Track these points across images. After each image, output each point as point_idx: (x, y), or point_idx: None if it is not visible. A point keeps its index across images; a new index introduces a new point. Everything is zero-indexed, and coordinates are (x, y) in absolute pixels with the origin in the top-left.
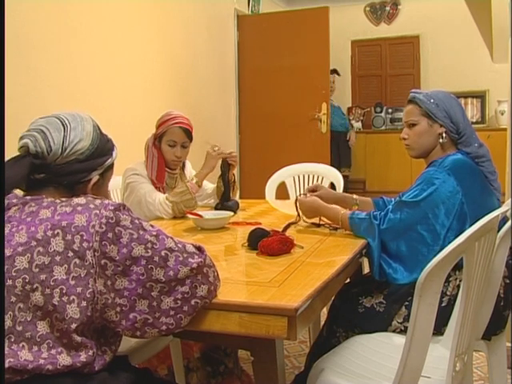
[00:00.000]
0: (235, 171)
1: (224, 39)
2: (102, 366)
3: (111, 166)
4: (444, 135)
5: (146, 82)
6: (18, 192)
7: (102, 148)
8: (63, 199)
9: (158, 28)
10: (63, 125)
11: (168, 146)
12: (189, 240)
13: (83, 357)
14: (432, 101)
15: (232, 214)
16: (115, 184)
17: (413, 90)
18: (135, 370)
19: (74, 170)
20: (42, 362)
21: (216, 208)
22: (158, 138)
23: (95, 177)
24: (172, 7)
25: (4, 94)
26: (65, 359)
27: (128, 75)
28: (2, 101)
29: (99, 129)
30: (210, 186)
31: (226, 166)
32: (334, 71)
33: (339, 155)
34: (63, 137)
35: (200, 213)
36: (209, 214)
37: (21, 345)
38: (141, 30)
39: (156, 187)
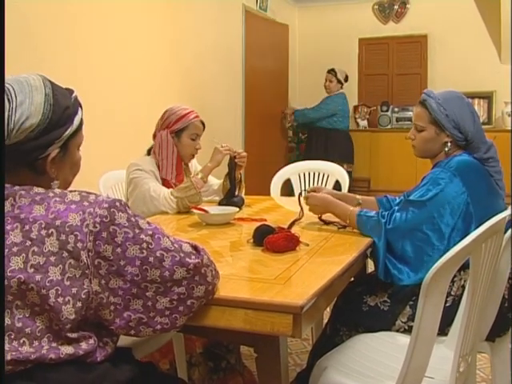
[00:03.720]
0: (242, 170)
1: (231, 35)
2: (104, 356)
3: (75, 134)
4: (449, 144)
5: (152, 77)
6: None
7: (58, 119)
8: (57, 192)
9: (165, 24)
10: (8, 99)
11: (190, 139)
12: (193, 235)
13: (85, 345)
14: (443, 110)
15: (237, 209)
16: (119, 178)
17: (426, 91)
18: (138, 363)
19: (27, 149)
20: (44, 352)
21: (221, 203)
22: (175, 134)
23: (54, 151)
24: (179, 2)
25: (4, 91)
26: (67, 349)
27: (134, 70)
28: (1, 98)
29: (54, 95)
30: (216, 181)
31: (233, 165)
32: (332, 70)
33: (337, 152)
34: (8, 117)
35: (205, 208)
36: (214, 210)
37: (21, 341)
38: (148, 25)
39: (168, 184)
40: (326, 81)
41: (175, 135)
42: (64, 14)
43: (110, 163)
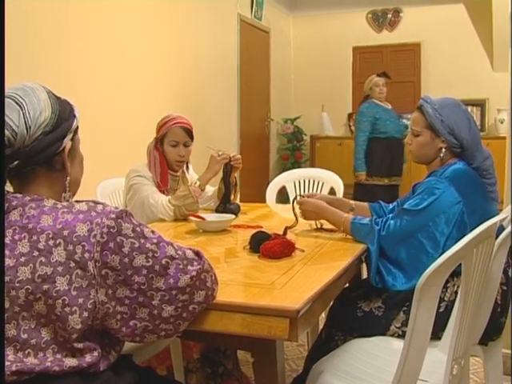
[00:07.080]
0: (237, 174)
1: (227, 43)
2: (106, 365)
3: (78, 128)
4: (444, 150)
5: (149, 84)
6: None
7: (64, 112)
8: (64, 204)
9: (162, 31)
10: (17, 103)
11: (171, 146)
12: (191, 242)
13: (89, 358)
14: (438, 115)
15: (234, 216)
16: (118, 185)
17: (424, 97)
18: (139, 369)
19: (46, 144)
20: (48, 364)
21: (217, 210)
22: (159, 141)
23: (68, 143)
24: (176, 10)
25: (4, 92)
26: (71, 361)
27: (131, 77)
28: (1, 99)
29: (53, 93)
30: (210, 188)
31: (228, 169)
32: (383, 74)
33: (390, 163)
34: (23, 115)
35: (202, 215)
36: (211, 217)
37: (26, 352)
38: (144, 31)
39: (160, 190)
40: (380, 86)
41: (160, 143)
42: (63, 19)
43: (107, 171)
